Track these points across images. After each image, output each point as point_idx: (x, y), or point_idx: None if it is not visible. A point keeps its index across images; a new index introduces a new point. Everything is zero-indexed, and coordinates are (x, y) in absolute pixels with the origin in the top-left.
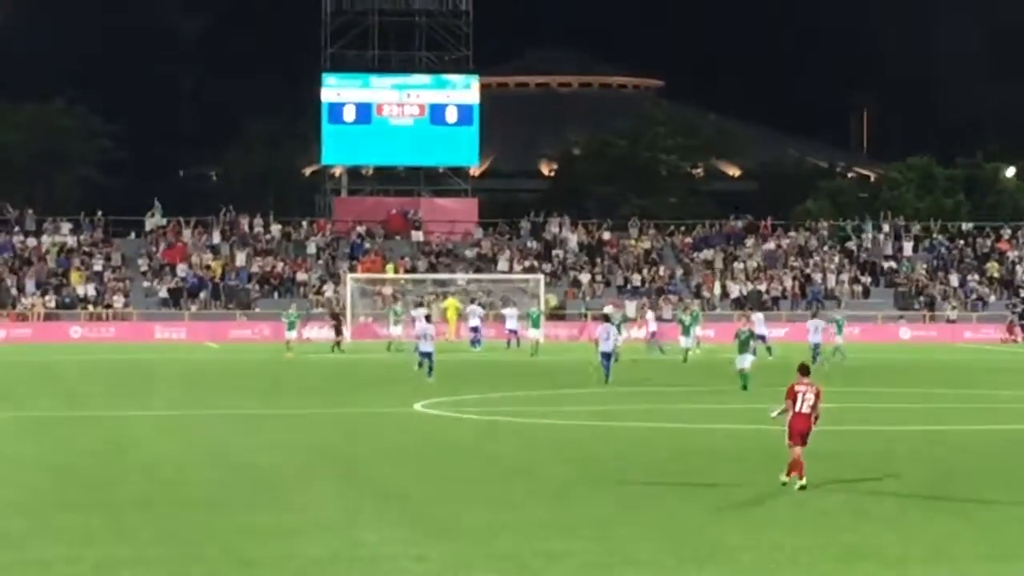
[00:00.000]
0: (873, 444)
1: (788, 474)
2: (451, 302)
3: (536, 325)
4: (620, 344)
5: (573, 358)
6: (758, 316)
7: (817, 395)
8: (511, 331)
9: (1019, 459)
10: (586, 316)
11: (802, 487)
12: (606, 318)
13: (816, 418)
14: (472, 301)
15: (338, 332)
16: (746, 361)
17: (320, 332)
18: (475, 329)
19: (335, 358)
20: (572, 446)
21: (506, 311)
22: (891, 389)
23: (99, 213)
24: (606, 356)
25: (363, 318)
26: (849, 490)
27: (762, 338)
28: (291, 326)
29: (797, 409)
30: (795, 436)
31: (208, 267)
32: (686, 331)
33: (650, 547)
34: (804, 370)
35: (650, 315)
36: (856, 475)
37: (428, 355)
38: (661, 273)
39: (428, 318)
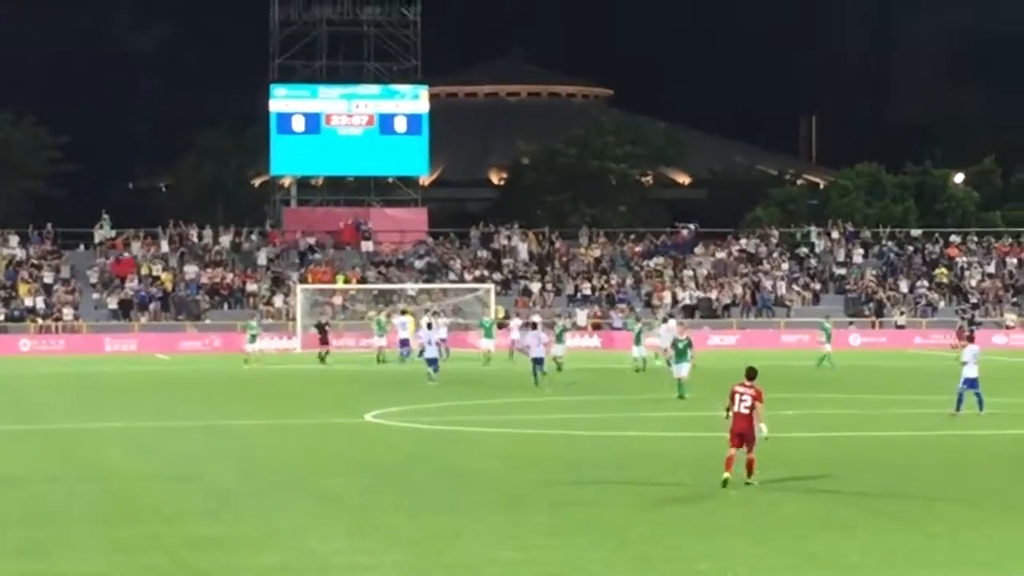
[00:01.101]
0: (828, 451)
1: (726, 469)
2: (409, 317)
3: (489, 335)
4: (563, 353)
5: (524, 368)
6: (670, 324)
7: (755, 397)
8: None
9: (972, 465)
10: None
11: (724, 481)
12: (534, 326)
13: (760, 420)
14: (403, 313)
15: (324, 342)
16: (683, 370)
17: (271, 343)
18: (404, 342)
19: (293, 368)
20: (525, 455)
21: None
22: (843, 395)
23: (48, 225)
24: (537, 361)
25: (313, 329)
26: (806, 498)
27: (404, 342)
28: (252, 338)
29: (735, 409)
30: (732, 436)
31: (158, 279)
32: (637, 340)
33: (605, 556)
34: (749, 373)
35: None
36: (812, 483)
37: (433, 361)
38: (612, 281)
39: (430, 326)
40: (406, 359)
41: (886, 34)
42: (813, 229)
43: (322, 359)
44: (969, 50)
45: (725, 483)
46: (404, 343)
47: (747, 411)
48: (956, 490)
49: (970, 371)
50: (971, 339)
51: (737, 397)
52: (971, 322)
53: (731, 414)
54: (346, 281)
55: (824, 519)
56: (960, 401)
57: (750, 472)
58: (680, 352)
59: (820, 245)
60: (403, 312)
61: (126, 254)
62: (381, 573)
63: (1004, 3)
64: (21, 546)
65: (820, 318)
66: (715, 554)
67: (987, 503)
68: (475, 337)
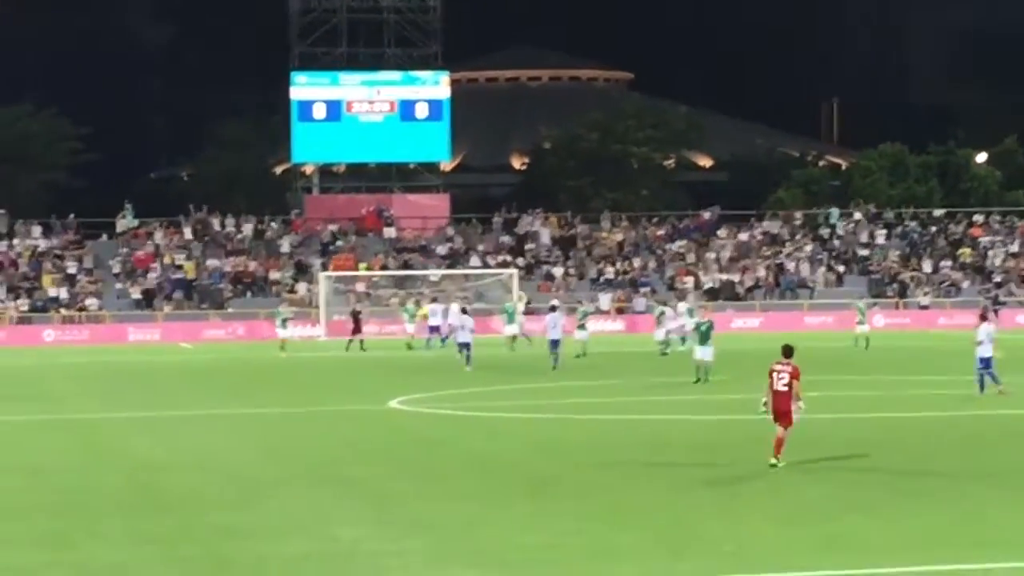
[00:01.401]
0: (851, 433)
1: (775, 455)
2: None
3: (512, 320)
4: (586, 338)
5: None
6: (680, 306)
7: (792, 375)
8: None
9: (995, 445)
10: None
11: (772, 465)
12: (553, 308)
13: (797, 398)
14: (433, 300)
15: (357, 330)
16: (707, 352)
17: (295, 331)
18: (435, 328)
19: (317, 356)
20: (549, 440)
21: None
22: (866, 377)
23: (71, 216)
24: (554, 343)
25: (337, 316)
26: (830, 480)
27: (681, 328)
28: (284, 323)
29: (774, 387)
30: (774, 415)
31: (180, 267)
32: (659, 323)
33: (630, 539)
34: (786, 351)
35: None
36: (836, 465)
37: (466, 345)
38: (634, 265)
39: (464, 310)
40: (431, 346)
41: (907, 18)
42: (835, 211)
43: (356, 346)
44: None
45: (773, 466)
46: (434, 329)
47: (785, 388)
48: (980, 470)
49: (984, 350)
50: (984, 318)
51: (775, 375)
52: (996, 301)
53: (770, 392)
54: (368, 268)
55: (848, 501)
56: (994, 379)
57: (777, 451)
58: (703, 335)
59: (842, 226)
60: (434, 300)
61: (149, 244)
62: (405, 559)
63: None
64: (47, 536)
65: (851, 299)
66: (740, 537)
67: (1011, 483)
68: (498, 323)
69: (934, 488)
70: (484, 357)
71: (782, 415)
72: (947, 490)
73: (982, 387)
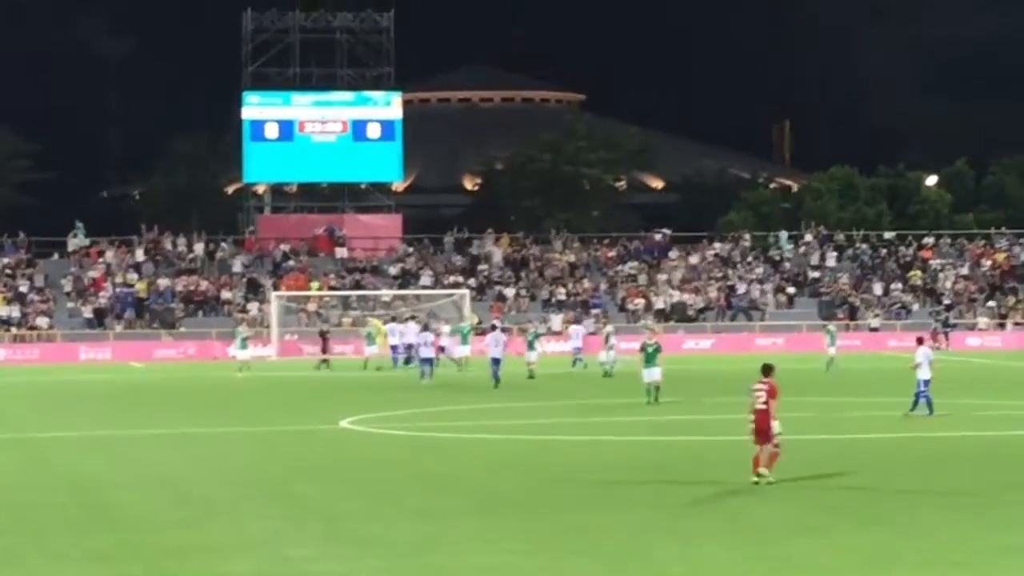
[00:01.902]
0: (800, 455)
1: (753, 470)
2: (377, 323)
3: (465, 341)
4: (535, 360)
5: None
6: (576, 328)
7: (769, 392)
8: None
9: (945, 467)
10: (510, 331)
11: (758, 478)
12: (494, 327)
13: (774, 416)
14: (393, 319)
15: (325, 350)
16: (655, 374)
17: (245, 350)
18: (402, 347)
19: (268, 376)
20: (501, 460)
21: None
22: (816, 398)
23: (21, 234)
24: (495, 361)
25: (288, 336)
26: (780, 502)
27: (577, 350)
28: (243, 344)
29: (754, 406)
30: (754, 433)
31: (132, 287)
32: (607, 344)
33: (580, 561)
34: (764, 370)
35: (574, 329)
36: (785, 487)
37: (429, 361)
38: (586, 286)
39: (426, 327)
40: (399, 366)
41: (858, 42)
42: (783, 234)
43: (321, 366)
44: (939, 58)
45: (757, 480)
46: (395, 349)
47: (763, 407)
48: (930, 491)
49: (923, 373)
50: (920, 341)
51: (755, 394)
52: (946, 324)
53: (752, 412)
54: (320, 288)
55: (799, 523)
56: (929, 403)
57: (768, 465)
58: (649, 356)
59: (791, 249)
60: (392, 319)
61: (100, 263)
62: None
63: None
64: None
65: (816, 322)
66: (689, 558)
67: (961, 503)
68: (451, 343)
69: (885, 509)
70: (437, 376)
71: (761, 433)
72: (898, 511)
73: (930, 409)
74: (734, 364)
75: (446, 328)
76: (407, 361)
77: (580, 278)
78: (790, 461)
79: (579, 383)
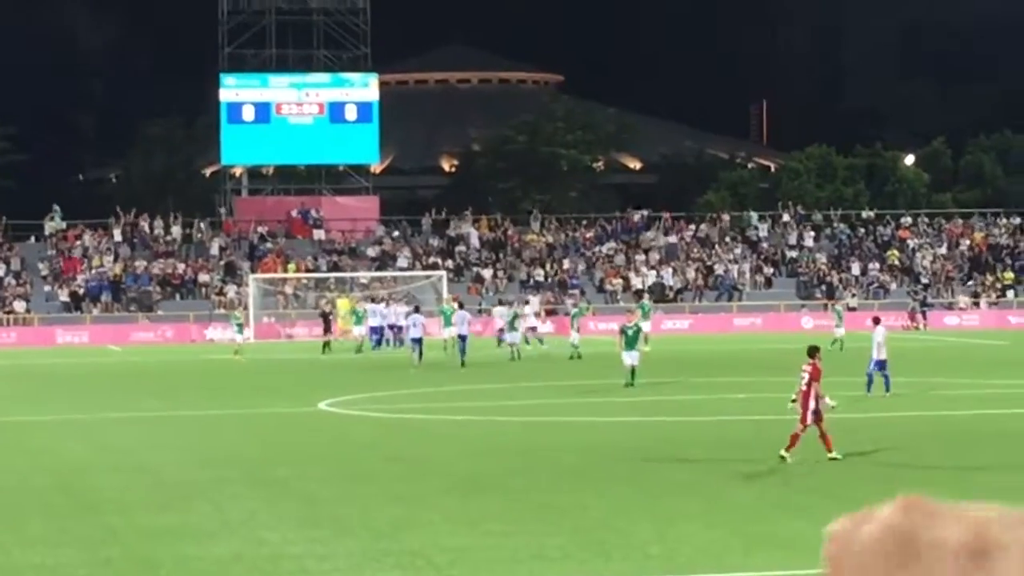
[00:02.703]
0: (780, 434)
1: (787, 449)
2: (343, 300)
3: (448, 323)
4: (518, 341)
5: (478, 355)
6: (500, 310)
7: (811, 374)
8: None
9: (924, 445)
10: (487, 312)
11: (781, 458)
12: (460, 305)
13: (817, 396)
14: (373, 300)
15: (327, 331)
16: (634, 357)
17: (224, 333)
18: (377, 329)
19: (245, 358)
20: (478, 442)
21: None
22: (795, 379)
23: None
24: (462, 338)
25: (266, 318)
26: (759, 481)
27: (500, 331)
28: (240, 328)
29: (800, 388)
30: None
31: (109, 270)
32: (573, 325)
33: (558, 541)
34: (809, 352)
35: (528, 309)
36: (764, 466)
37: (418, 341)
38: (564, 267)
39: (417, 309)
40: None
41: (836, 19)
42: (754, 214)
43: (326, 349)
44: (917, 37)
45: (834, 458)
46: (375, 330)
47: (806, 388)
48: (909, 471)
49: (879, 352)
50: (877, 321)
51: (800, 376)
52: (923, 303)
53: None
54: (296, 270)
55: (778, 503)
56: (887, 383)
57: (790, 447)
58: (630, 339)
59: (766, 228)
60: (371, 300)
61: (77, 246)
62: (333, 562)
63: None
64: None
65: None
66: (667, 538)
67: (940, 480)
68: (434, 325)
69: (862, 490)
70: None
71: (807, 412)
72: (876, 491)
73: (887, 386)
74: (712, 344)
75: (501, 310)
76: (386, 342)
77: (558, 259)
78: (766, 441)
79: (558, 365)
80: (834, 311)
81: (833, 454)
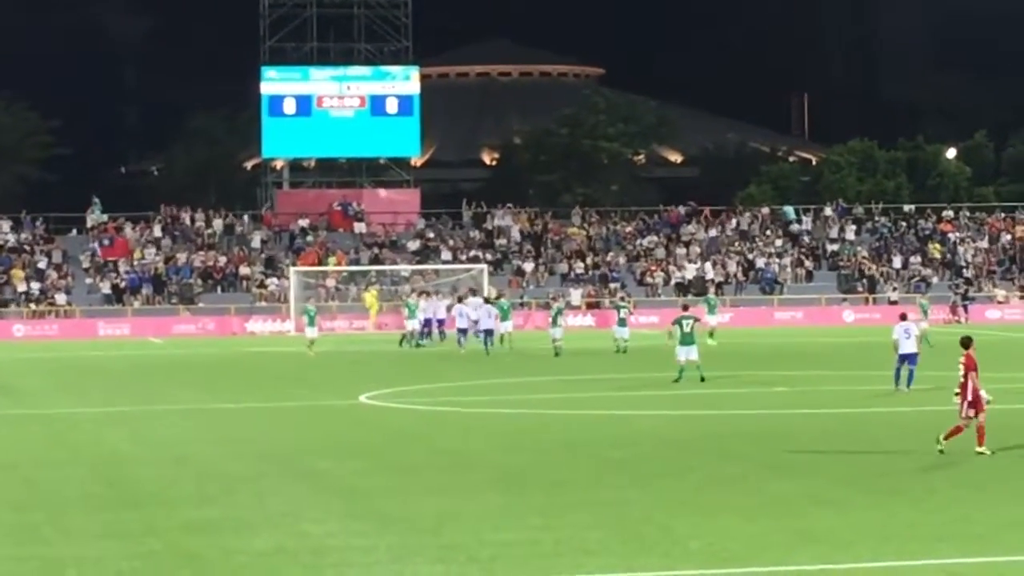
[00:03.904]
0: (818, 428)
1: (945, 438)
2: (371, 293)
3: (505, 318)
4: (560, 336)
5: (519, 347)
6: (475, 300)
7: (966, 365)
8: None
9: (963, 441)
10: (529, 305)
11: (979, 453)
12: (487, 300)
13: (973, 389)
14: (423, 294)
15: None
16: (692, 352)
17: (266, 326)
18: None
19: (287, 351)
20: (519, 435)
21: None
22: (836, 372)
23: (39, 214)
24: (488, 333)
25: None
26: (799, 474)
27: (475, 323)
28: (311, 321)
29: (960, 380)
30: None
31: (150, 263)
32: (621, 321)
33: (599, 536)
34: (963, 342)
35: (473, 301)
36: (805, 459)
37: (489, 332)
38: (605, 261)
39: (487, 300)
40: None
41: (878, 14)
42: (790, 208)
43: (403, 341)
44: (958, 31)
45: (982, 453)
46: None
47: (964, 379)
48: (946, 465)
49: (906, 347)
50: (903, 317)
51: (958, 368)
52: (964, 296)
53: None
54: (336, 263)
55: (816, 496)
56: (897, 376)
57: (949, 436)
58: (686, 335)
59: (806, 222)
60: (424, 293)
61: (118, 238)
62: (375, 555)
63: None
64: (15, 531)
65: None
66: (708, 532)
67: (976, 478)
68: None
69: (902, 483)
70: (451, 351)
71: (968, 404)
72: (915, 486)
73: (909, 382)
74: (753, 338)
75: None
76: (430, 335)
77: (599, 252)
78: (807, 434)
79: (599, 359)
80: (919, 305)
81: (981, 449)
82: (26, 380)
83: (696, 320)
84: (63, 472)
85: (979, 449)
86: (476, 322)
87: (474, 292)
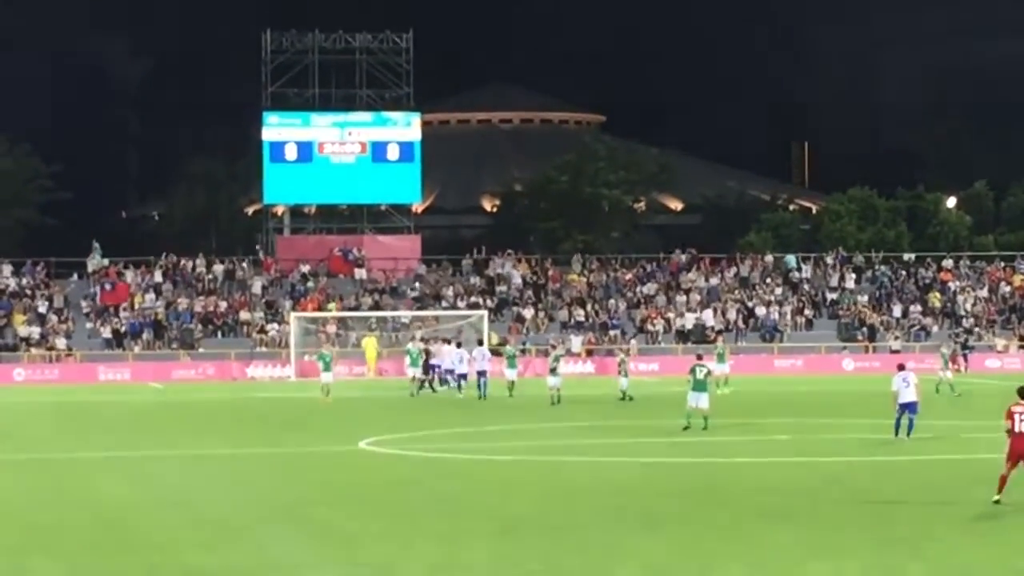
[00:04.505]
0: (823, 475)
1: (999, 490)
2: (370, 340)
3: (512, 365)
4: (558, 384)
5: (517, 394)
6: (448, 348)
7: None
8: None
9: (966, 489)
10: (529, 351)
11: (996, 502)
12: (479, 343)
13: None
14: (448, 342)
15: (425, 371)
16: (701, 399)
17: (266, 371)
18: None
19: (288, 397)
20: (519, 482)
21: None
22: (837, 420)
23: (40, 259)
24: (481, 374)
25: (307, 357)
26: (800, 524)
27: (449, 372)
28: (327, 366)
29: (1017, 429)
30: (1011, 455)
31: (150, 308)
32: (621, 370)
33: None
34: (1021, 392)
35: (479, 351)
36: (806, 508)
37: (483, 374)
38: (605, 308)
39: (480, 342)
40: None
41: (877, 63)
42: (792, 257)
43: (423, 387)
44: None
45: (997, 502)
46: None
47: (1021, 431)
48: (947, 514)
49: (906, 396)
50: (901, 367)
51: (1017, 417)
52: (964, 346)
53: (1012, 435)
54: (337, 309)
55: (817, 545)
56: (897, 426)
57: (1000, 489)
58: (698, 381)
59: (806, 271)
60: (424, 340)
61: (119, 283)
62: None
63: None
64: (14, 575)
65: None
66: None
67: (979, 528)
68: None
69: (903, 532)
70: (452, 399)
71: (1020, 456)
72: (916, 534)
73: (909, 431)
74: (753, 386)
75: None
76: (442, 383)
77: (599, 299)
78: (809, 483)
79: (599, 406)
80: (940, 354)
81: (998, 497)
82: (26, 424)
83: (709, 372)
84: (63, 517)
85: (996, 497)
86: (451, 371)
87: (447, 341)
